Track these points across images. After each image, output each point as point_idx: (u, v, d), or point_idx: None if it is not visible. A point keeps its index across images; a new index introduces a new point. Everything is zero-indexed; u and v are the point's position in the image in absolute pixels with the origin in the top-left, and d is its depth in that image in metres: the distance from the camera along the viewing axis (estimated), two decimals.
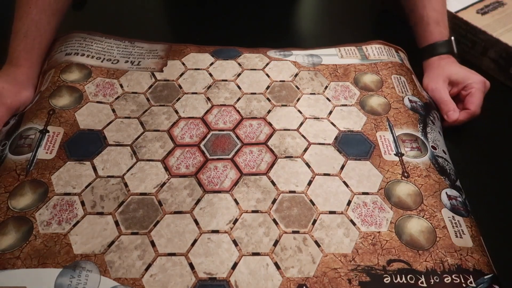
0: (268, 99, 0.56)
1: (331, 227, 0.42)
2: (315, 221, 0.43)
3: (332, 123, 0.53)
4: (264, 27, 0.74)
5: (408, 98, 0.56)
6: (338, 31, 0.75)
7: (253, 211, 0.43)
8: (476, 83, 0.55)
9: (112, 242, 0.40)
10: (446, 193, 0.46)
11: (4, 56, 0.55)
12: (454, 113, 0.55)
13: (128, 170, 0.47)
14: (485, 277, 0.39)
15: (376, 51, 0.63)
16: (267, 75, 0.59)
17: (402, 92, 0.57)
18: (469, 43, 0.67)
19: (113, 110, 0.53)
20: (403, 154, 0.49)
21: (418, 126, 0.52)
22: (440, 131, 0.55)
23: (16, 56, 0.54)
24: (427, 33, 0.61)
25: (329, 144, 0.50)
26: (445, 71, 0.59)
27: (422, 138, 0.51)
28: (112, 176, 0.46)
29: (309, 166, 0.48)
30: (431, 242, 0.41)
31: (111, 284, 0.37)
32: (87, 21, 0.70)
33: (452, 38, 0.60)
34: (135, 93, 0.55)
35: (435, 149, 0.51)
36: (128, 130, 0.51)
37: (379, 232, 0.42)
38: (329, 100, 0.56)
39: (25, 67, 0.54)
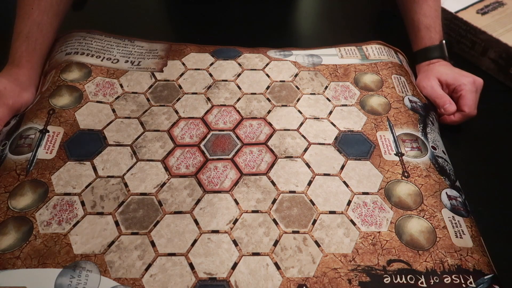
0: (268, 99, 0.56)
1: (331, 227, 0.42)
2: (315, 221, 0.43)
3: (332, 123, 0.53)
4: (264, 27, 0.74)
5: (408, 98, 0.56)
6: (338, 31, 0.75)
7: (253, 211, 0.43)
8: (465, 85, 0.55)
9: (112, 242, 0.40)
10: (446, 193, 0.46)
11: (6, 56, 0.55)
12: (450, 106, 0.55)
13: (128, 170, 0.47)
14: (485, 277, 0.39)
15: (376, 51, 0.63)
16: (267, 75, 0.59)
17: (402, 92, 0.57)
18: (469, 43, 0.67)
19: (113, 110, 0.53)
20: (403, 154, 0.49)
21: (418, 126, 0.52)
22: (439, 132, 0.55)
23: (18, 57, 0.54)
24: (418, 38, 0.62)
25: (329, 144, 0.50)
26: (434, 72, 0.59)
27: (422, 138, 0.51)
28: (112, 176, 0.46)
29: (309, 166, 0.48)
30: (431, 242, 0.41)
31: (111, 284, 0.37)
32: (87, 21, 0.70)
33: (444, 42, 0.60)
34: (135, 93, 0.55)
35: (435, 149, 0.51)
36: (128, 130, 0.51)
37: (379, 232, 0.42)
38: (329, 100, 0.56)
39: (26, 68, 0.54)
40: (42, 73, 0.57)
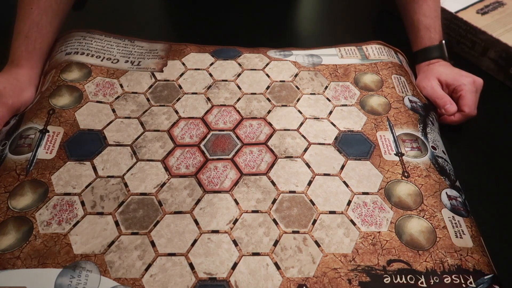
0: (268, 99, 0.56)
1: (331, 227, 0.42)
2: (315, 221, 0.43)
3: (332, 123, 0.53)
4: (264, 27, 0.74)
5: (408, 98, 0.56)
6: (338, 31, 0.75)
7: (253, 211, 0.43)
8: (465, 85, 0.55)
9: (112, 242, 0.40)
10: (446, 193, 0.46)
11: (6, 56, 0.55)
12: (451, 106, 0.55)
13: (128, 170, 0.47)
14: (485, 277, 0.39)
15: (376, 51, 0.63)
16: (267, 75, 0.59)
17: (402, 92, 0.57)
18: (469, 43, 0.67)
19: (113, 110, 0.53)
20: (403, 154, 0.49)
21: (418, 126, 0.52)
22: (439, 132, 0.55)
23: (17, 57, 0.54)
24: (418, 38, 0.62)
25: (329, 144, 0.50)
26: (434, 72, 0.59)
27: (422, 138, 0.51)
28: (112, 176, 0.46)
29: (309, 166, 0.48)
30: (431, 242, 0.41)
31: (111, 284, 0.37)
32: (87, 21, 0.70)
33: (443, 42, 0.60)
34: (135, 93, 0.55)
35: (435, 149, 0.51)
36: (128, 130, 0.51)
37: (379, 232, 0.42)
38: (329, 100, 0.56)
39: (26, 67, 0.54)
40: (42, 73, 0.57)
